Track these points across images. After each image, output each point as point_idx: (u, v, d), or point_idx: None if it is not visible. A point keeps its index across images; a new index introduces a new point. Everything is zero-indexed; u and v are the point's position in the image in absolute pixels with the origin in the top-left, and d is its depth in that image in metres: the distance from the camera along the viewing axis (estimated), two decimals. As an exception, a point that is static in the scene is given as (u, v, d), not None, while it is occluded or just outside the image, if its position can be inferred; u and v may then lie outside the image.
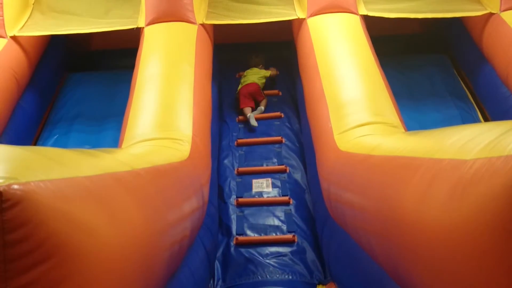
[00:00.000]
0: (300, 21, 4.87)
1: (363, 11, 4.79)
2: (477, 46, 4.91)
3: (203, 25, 4.83)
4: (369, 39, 4.49)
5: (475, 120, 4.68)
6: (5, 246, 1.19)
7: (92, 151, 2.17)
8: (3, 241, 1.19)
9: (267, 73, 5.22)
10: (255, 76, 5.11)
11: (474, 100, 4.93)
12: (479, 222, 1.29)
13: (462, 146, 1.55)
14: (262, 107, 4.93)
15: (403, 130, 3.53)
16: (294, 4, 5.01)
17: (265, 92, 5.13)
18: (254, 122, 4.70)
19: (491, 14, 4.70)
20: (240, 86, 5.08)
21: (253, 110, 4.87)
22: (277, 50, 5.58)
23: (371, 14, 4.76)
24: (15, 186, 1.21)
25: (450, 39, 5.57)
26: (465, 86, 5.12)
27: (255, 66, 5.29)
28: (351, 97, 3.78)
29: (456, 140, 1.64)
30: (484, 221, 1.26)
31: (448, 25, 5.41)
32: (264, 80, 5.14)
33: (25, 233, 1.21)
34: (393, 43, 5.58)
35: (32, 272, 1.22)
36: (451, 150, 1.59)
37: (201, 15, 4.88)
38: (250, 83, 5.01)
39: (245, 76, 5.17)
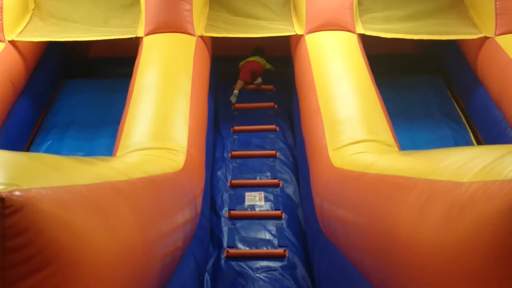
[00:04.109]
0: (298, 37, 4.92)
1: (360, 30, 4.86)
2: (472, 69, 4.98)
3: (201, 37, 4.86)
4: (366, 57, 4.54)
5: (467, 141, 4.72)
6: (5, 252, 1.19)
7: (89, 159, 2.17)
8: (3, 247, 1.19)
9: (268, 65, 5.54)
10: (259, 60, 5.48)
11: (466, 122, 4.99)
12: (474, 244, 1.31)
13: (457, 169, 1.57)
14: (260, 78, 5.37)
15: (397, 149, 3.56)
16: (292, 21, 5.06)
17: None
18: (234, 99, 5.20)
19: (486, 38, 4.78)
20: (243, 62, 5.47)
21: (248, 83, 5.35)
22: (274, 64, 5.62)
23: (368, 33, 4.83)
24: (17, 193, 1.22)
25: (445, 61, 5.63)
26: (458, 107, 5.18)
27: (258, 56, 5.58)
28: (346, 114, 3.82)
29: (451, 162, 1.66)
30: (479, 244, 1.28)
31: (443, 46, 5.47)
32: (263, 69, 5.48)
33: (25, 239, 1.21)
34: (388, 62, 5.64)
35: (30, 279, 1.22)
36: (446, 172, 1.61)
37: (200, 27, 4.91)
38: (254, 61, 5.42)
39: (248, 57, 5.50)
